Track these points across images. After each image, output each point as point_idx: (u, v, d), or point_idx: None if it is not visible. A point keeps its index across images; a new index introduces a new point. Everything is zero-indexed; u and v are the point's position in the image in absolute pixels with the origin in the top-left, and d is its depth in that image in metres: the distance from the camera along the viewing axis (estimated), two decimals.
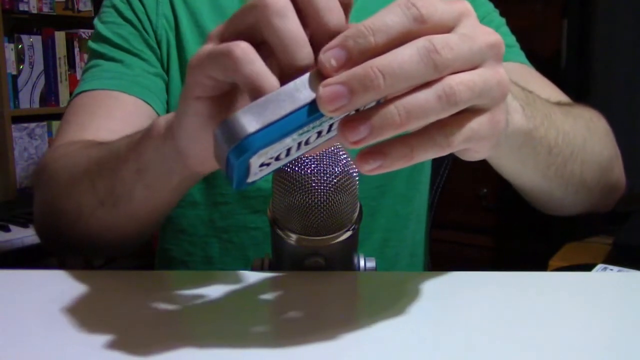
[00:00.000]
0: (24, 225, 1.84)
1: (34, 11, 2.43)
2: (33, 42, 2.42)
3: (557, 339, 0.41)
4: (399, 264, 0.80)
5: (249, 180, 0.38)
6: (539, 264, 1.62)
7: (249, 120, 0.34)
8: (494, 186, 2.05)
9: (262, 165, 0.37)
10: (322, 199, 0.48)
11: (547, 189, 0.62)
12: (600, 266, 0.66)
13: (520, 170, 0.57)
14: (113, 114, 0.71)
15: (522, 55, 0.78)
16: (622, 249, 1.43)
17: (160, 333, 0.42)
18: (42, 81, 2.46)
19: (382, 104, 0.34)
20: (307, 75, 0.35)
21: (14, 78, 2.37)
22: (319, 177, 0.49)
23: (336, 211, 0.49)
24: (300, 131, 0.35)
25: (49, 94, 2.48)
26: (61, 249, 0.66)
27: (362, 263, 0.54)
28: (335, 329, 0.43)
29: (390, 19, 0.34)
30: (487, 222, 2.12)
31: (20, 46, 2.38)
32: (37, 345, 0.40)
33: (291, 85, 0.35)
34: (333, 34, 0.36)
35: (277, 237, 0.52)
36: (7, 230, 1.82)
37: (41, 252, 1.84)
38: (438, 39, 0.34)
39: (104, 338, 0.41)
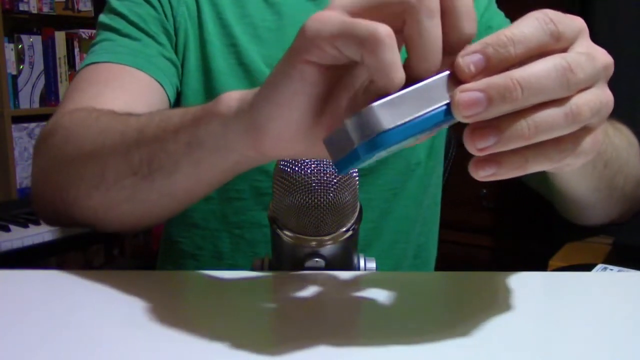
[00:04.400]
0: (24, 225, 1.84)
1: (34, 11, 2.43)
2: (33, 42, 2.42)
3: (557, 338, 0.41)
4: (402, 266, 0.80)
5: (359, 167, 0.38)
6: (539, 264, 1.62)
7: (386, 117, 0.35)
8: (494, 186, 2.05)
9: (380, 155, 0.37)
10: (322, 199, 0.48)
11: (593, 200, 0.63)
12: (600, 266, 0.66)
13: (576, 182, 0.58)
14: (129, 87, 0.69)
15: None
16: (622, 249, 1.43)
17: (160, 333, 0.42)
18: (42, 81, 2.46)
19: (510, 115, 0.35)
20: (441, 77, 0.36)
21: (14, 78, 2.37)
22: (319, 177, 0.49)
23: (336, 211, 0.49)
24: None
25: (49, 94, 2.48)
26: (61, 218, 0.62)
27: (362, 263, 0.54)
28: (335, 329, 0.43)
29: (529, 32, 0.36)
30: (487, 222, 2.12)
31: (20, 46, 2.39)
32: (36, 345, 0.40)
33: (426, 85, 0.36)
34: (463, 41, 0.37)
35: (277, 237, 0.52)
36: (7, 230, 1.82)
37: (41, 252, 1.85)
38: (572, 58, 0.36)
39: (103, 338, 0.41)
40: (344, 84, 0.42)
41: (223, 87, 0.74)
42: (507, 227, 2.09)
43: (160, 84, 0.71)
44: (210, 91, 0.74)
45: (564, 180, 0.57)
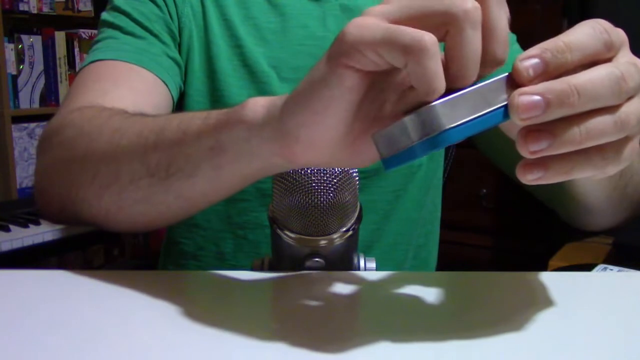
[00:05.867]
0: (24, 225, 1.84)
1: (34, 11, 2.43)
2: (33, 42, 2.42)
3: (557, 339, 0.41)
4: (403, 267, 0.80)
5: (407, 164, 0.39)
6: (539, 264, 1.62)
7: (446, 116, 0.36)
8: (494, 186, 2.05)
9: None
10: (322, 199, 0.48)
11: (603, 207, 0.63)
12: (600, 266, 0.66)
13: (592, 190, 0.59)
14: (135, 86, 0.68)
15: None
16: (622, 249, 1.43)
17: (160, 333, 0.42)
18: (42, 81, 2.46)
19: (562, 121, 0.36)
20: (499, 80, 0.37)
21: (14, 78, 2.37)
22: (319, 177, 0.49)
23: (336, 211, 0.49)
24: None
25: (49, 94, 2.48)
26: (67, 217, 0.61)
27: (362, 263, 0.54)
28: (335, 329, 0.43)
29: (586, 40, 0.37)
30: (487, 222, 2.12)
31: (20, 46, 2.39)
32: (37, 345, 0.40)
33: (484, 86, 0.37)
34: (493, 59, 0.38)
35: (277, 237, 0.52)
36: (7, 230, 1.82)
37: (41, 252, 1.85)
38: (624, 67, 0.37)
39: (103, 338, 0.41)
40: (376, 91, 0.41)
41: (227, 88, 0.74)
42: (507, 227, 2.09)
43: (165, 84, 0.71)
44: (215, 92, 0.74)
45: (580, 188, 0.58)
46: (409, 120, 0.36)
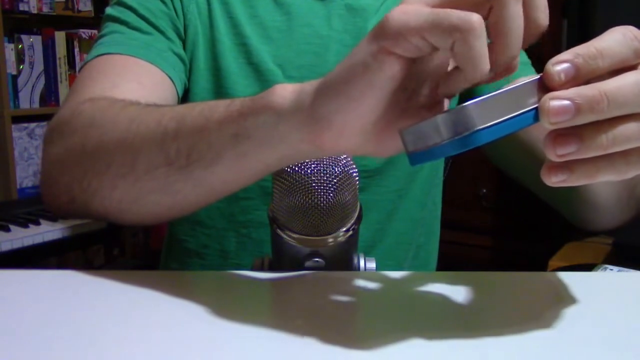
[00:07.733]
0: (24, 225, 1.84)
1: (34, 11, 2.43)
2: (33, 42, 2.42)
3: (557, 339, 0.41)
4: (403, 266, 0.80)
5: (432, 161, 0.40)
6: (539, 264, 1.62)
7: (479, 116, 0.36)
8: (494, 186, 2.05)
9: None
10: (322, 199, 0.48)
11: (612, 206, 0.64)
12: (600, 266, 0.66)
13: (603, 190, 0.59)
14: (143, 81, 0.68)
15: (533, 71, 0.79)
16: (622, 249, 1.43)
17: (160, 333, 0.42)
18: (42, 81, 2.46)
19: (590, 125, 0.36)
20: (531, 82, 0.38)
21: (14, 78, 2.37)
22: (319, 177, 0.49)
23: (336, 211, 0.49)
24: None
25: (49, 94, 2.48)
26: (77, 209, 0.60)
27: (362, 263, 0.54)
28: (335, 329, 0.43)
29: (617, 47, 0.37)
30: (487, 222, 2.12)
31: (20, 46, 2.39)
32: (37, 345, 0.40)
33: (515, 89, 0.37)
34: (535, 31, 0.40)
35: (277, 237, 0.52)
36: (7, 230, 1.82)
37: (41, 252, 1.85)
38: None
39: (103, 338, 0.41)
40: (408, 79, 0.41)
41: (232, 86, 0.74)
42: (507, 227, 2.09)
43: (171, 79, 0.70)
44: (220, 90, 0.74)
45: (590, 187, 0.58)
46: (440, 118, 0.37)
